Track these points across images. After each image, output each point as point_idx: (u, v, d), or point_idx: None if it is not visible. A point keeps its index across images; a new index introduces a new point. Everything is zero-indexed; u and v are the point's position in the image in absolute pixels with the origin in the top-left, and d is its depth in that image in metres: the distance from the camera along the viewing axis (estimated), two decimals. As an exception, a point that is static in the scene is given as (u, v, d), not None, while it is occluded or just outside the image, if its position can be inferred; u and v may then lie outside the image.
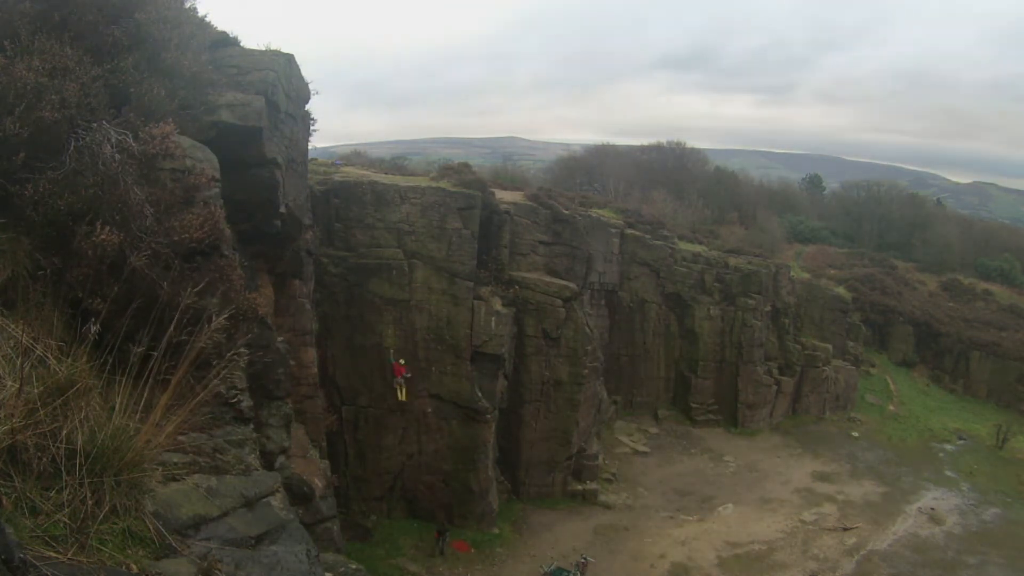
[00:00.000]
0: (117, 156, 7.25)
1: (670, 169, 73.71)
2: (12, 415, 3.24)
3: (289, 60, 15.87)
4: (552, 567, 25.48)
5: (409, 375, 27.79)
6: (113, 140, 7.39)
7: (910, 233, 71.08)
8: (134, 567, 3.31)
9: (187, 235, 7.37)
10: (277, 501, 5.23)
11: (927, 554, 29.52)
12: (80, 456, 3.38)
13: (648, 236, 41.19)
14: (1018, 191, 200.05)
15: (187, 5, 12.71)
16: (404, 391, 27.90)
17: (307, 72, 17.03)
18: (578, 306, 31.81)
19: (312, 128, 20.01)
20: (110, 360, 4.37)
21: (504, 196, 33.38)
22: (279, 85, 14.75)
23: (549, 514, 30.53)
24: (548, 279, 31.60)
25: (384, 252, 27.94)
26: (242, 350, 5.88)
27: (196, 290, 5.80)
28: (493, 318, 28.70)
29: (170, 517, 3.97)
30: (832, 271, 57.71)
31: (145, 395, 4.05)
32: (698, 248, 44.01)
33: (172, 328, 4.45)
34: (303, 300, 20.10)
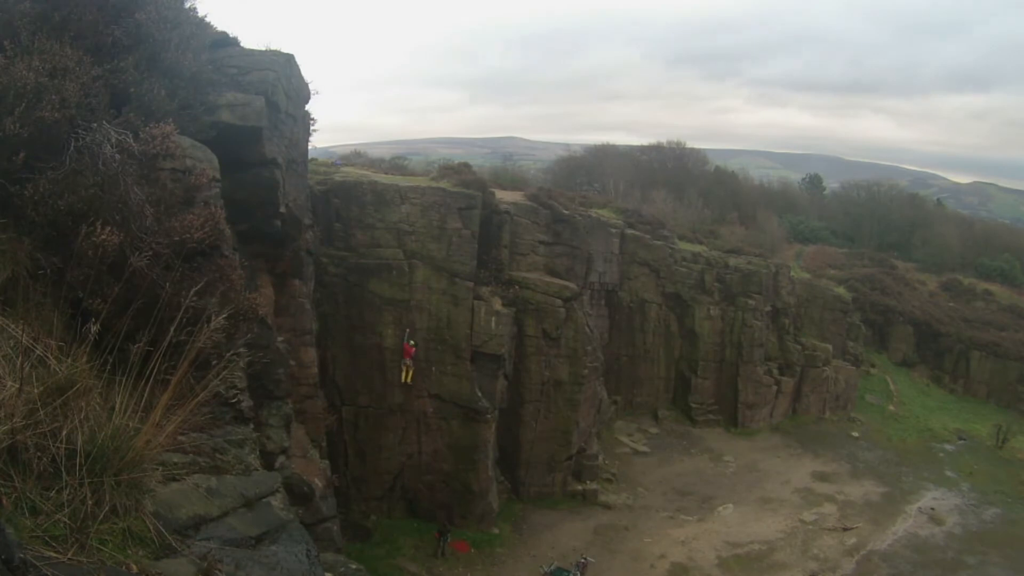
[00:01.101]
0: (117, 156, 7.25)
1: (670, 169, 73.77)
2: (12, 415, 3.24)
3: (289, 60, 15.89)
4: (552, 567, 25.49)
5: (415, 347, 27.71)
6: (113, 140, 7.39)
7: (910, 233, 71.08)
8: (134, 567, 3.31)
9: (187, 235, 7.37)
10: (277, 501, 5.24)
11: (927, 554, 29.53)
12: (80, 456, 3.38)
13: (648, 236, 41.18)
14: (1018, 191, 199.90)
15: (187, 5, 12.71)
16: (410, 373, 27.79)
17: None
18: (578, 306, 31.81)
19: (312, 128, 20.03)
20: (110, 360, 4.37)
21: (504, 196, 33.38)
22: (279, 85, 14.75)
23: (549, 514, 30.53)
24: (548, 279, 31.60)
25: (384, 252, 27.94)
26: (242, 350, 5.89)
27: (196, 290, 5.80)
28: (493, 318, 28.69)
29: (170, 517, 3.97)
30: (832, 271, 57.71)
31: (145, 395, 4.05)
32: (698, 248, 44.01)
33: (172, 328, 4.45)
34: (303, 300, 20.10)
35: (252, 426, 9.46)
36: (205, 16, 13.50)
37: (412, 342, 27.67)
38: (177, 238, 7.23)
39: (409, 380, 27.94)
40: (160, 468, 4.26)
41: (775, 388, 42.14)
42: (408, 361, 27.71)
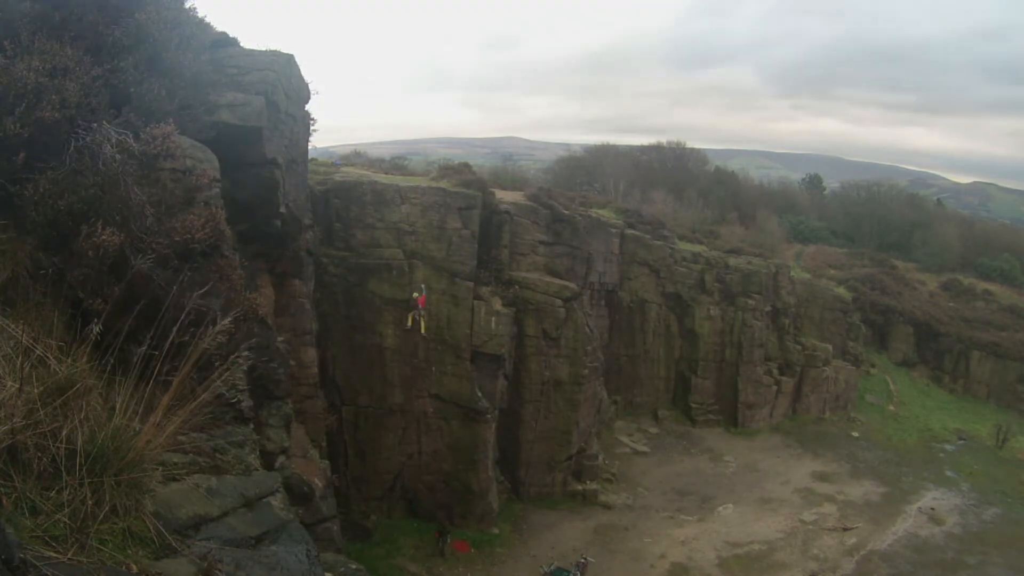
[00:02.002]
0: (117, 156, 7.25)
1: (670, 169, 73.74)
2: (12, 415, 3.24)
3: (289, 60, 15.89)
4: (552, 567, 25.50)
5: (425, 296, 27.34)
6: (113, 140, 7.39)
7: (910, 233, 71.03)
8: (134, 567, 3.31)
9: (188, 236, 7.38)
10: (277, 501, 5.24)
11: (927, 554, 29.52)
12: (80, 456, 3.38)
13: (648, 236, 41.17)
14: (1018, 191, 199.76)
15: (187, 5, 12.72)
16: (424, 323, 27.33)
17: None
18: (578, 306, 31.80)
19: (312, 128, 20.03)
20: (110, 360, 4.37)
21: (504, 196, 33.37)
22: (279, 85, 14.76)
23: (549, 514, 30.53)
24: (548, 279, 31.59)
25: (384, 252, 27.94)
26: (245, 353, 5.89)
27: (197, 291, 5.80)
28: (493, 318, 28.69)
29: (170, 517, 3.97)
30: (832, 271, 57.70)
31: (145, 396, 4.05)
32: (698, 248, 43.99)
33: (175, 330, 4.44)
34: (303, 300, 20.10)
35: (252, 426, 9.45)
36: (205, 16, 13.54)
37: (416, 294, 27.15)
38: (178, 238, 7.24)
39: (424, 331, 27.44)
40: (160, 468, 4.26)
41: (775, 388, 42.14)
42: (422, 311, 27.07)
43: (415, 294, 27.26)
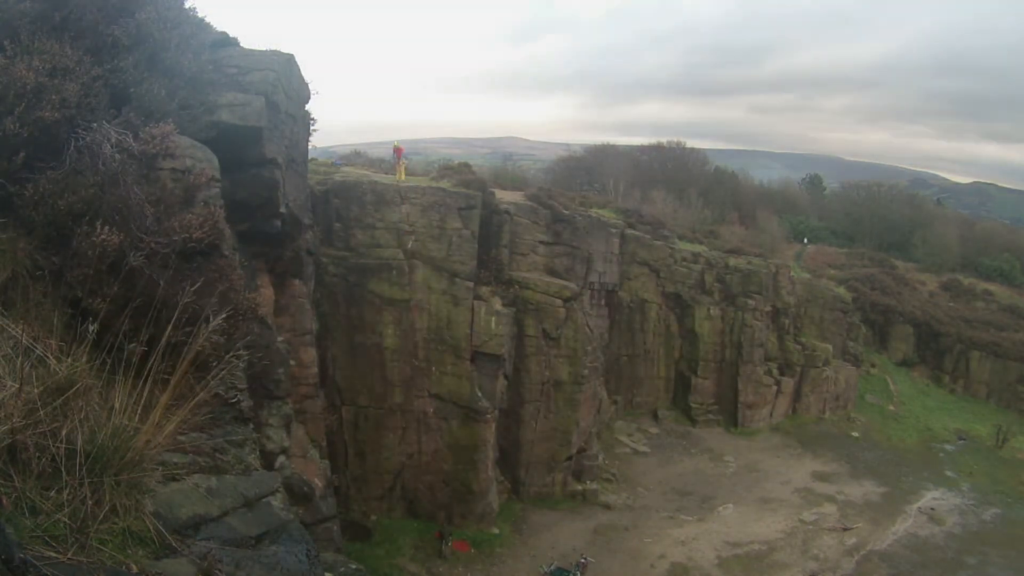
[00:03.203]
0: (117, 156, 7.25)
1: (670, 169, 73.81)
2: (12, 415, 3.23)
3: (289, 60, 15.86)
4: (552, 567, 25.51)
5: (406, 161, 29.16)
6: (113, 140, 7.39)
7: (910, 233, 71.07)
8: (134, 567, 3.30)
9: (187, 235, 7.36)
10: (277, 501, 5.23)
11: (927, 554, 29.53)
12: (80, 456, 3.38)
13: (648, 236, 41.20)
14: (1018, 191, 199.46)
15: (187, 5, 12.71)
16: (403, 170, 29.04)
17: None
18: (578, 306, 31.81)
19: (312, 128, 20.02)
20: (110, 360, 4.36)
21: (504, 196, 33.39)
22: (279, 85, 14.73)
23: (549, 514, 30.53)
24: (548, 279, 31.60)
25: (384, 252, 27.93)
26: (242, 351, 5.88)
27: (196, 290, 5.79)
28: (493, 318, 28.69)
29: (170, 517, 3.97)
30: (832, 271, 57.73)
31: (145, 395, 4.05)
32: (698, 248, 44.03)
33: (171, 328, 4.44)
34: (303, 300, 20.09)
35: (252, 426, 9.46)
36: (205, 16, 13.52)
37: (397, 143, 28.91)
38: (177, 238, 7.23)
39: (403, 177, 29.13)
40: (160, 468, 4.25)
41: (775, 388, 42.15)
42: (402, 159, 29.03)
43: (396, 142, 29.11)
